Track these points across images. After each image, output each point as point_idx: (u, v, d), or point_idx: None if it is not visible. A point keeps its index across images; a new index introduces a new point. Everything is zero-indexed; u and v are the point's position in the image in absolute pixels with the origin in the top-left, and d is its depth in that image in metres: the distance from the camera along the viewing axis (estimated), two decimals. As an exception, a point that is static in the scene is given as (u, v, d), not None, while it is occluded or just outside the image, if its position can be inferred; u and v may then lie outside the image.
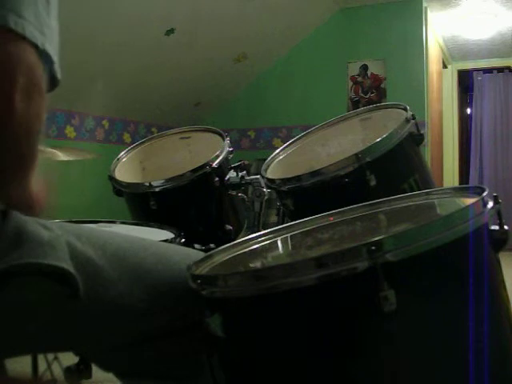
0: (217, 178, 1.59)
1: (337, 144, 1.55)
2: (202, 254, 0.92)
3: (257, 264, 0.93)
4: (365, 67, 4.65)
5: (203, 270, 0.85)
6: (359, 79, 4.67)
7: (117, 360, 0.88)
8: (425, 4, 4.53)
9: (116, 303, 0.77)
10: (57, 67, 0.67)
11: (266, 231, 1.03)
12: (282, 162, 1.56)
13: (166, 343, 0.85)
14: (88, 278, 0.73)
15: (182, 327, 0.85)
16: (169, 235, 1.41)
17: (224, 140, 1.70)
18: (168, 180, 1.57)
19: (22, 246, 0.67)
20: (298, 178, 1.34)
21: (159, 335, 0.85)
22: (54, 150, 2.03)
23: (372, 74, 4.63)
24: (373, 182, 1.26)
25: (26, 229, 0.69)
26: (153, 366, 0.87)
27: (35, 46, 0.61)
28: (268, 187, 1.48)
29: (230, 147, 1.68)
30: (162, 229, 1.49)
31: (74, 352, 0.87)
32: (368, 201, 1.05)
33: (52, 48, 0.65)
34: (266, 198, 1.61)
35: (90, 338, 0.81)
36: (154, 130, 4.42)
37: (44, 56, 0.63)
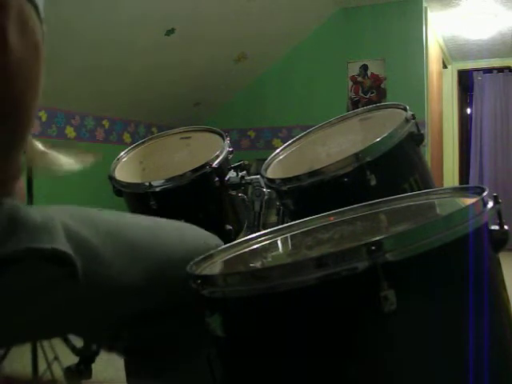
0: (217, 178, 1.59)
1: (337, 144, 1.55)
2: (198, 232, 0.91)
3: (257, 264, 0.92)
4: (365, 67, 4.65)
5: (203, 270, 0.85)
6: (359, 79, 4.67)
7: (118, 340, 0.87)
8: (425, 4, 4.52)
9: (114, 281, 0.77)
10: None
11: (266, 231, 1.03)
12: (281, 162, 1.56)
13: (166, 322, 0.85)
14: (85, 259, 0.72)
15: (181, 304, 0.85)
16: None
17: (224, 140, 1.70)
18: (168, 180, 1.57)
19: (18, 231, 0.66)
20: (297, 178, 1.34)
21: (158, 314, 0.84)
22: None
23: (372, 73, 4.63)
24: (373, 182, 1.26)
25: (19, 214, 0.68)
26: (153, 345, 0.86)
27: None
28: (268, 187, 1.48)
29: (229, 147, 1.68)
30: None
31: (75, 335, 0.87)
32: (368, 201, 1.05)
33: None
34: (266, 197, 1.60)
35: (91, 319, 0.80)
36: (154, 129, 4.42)
37: None
